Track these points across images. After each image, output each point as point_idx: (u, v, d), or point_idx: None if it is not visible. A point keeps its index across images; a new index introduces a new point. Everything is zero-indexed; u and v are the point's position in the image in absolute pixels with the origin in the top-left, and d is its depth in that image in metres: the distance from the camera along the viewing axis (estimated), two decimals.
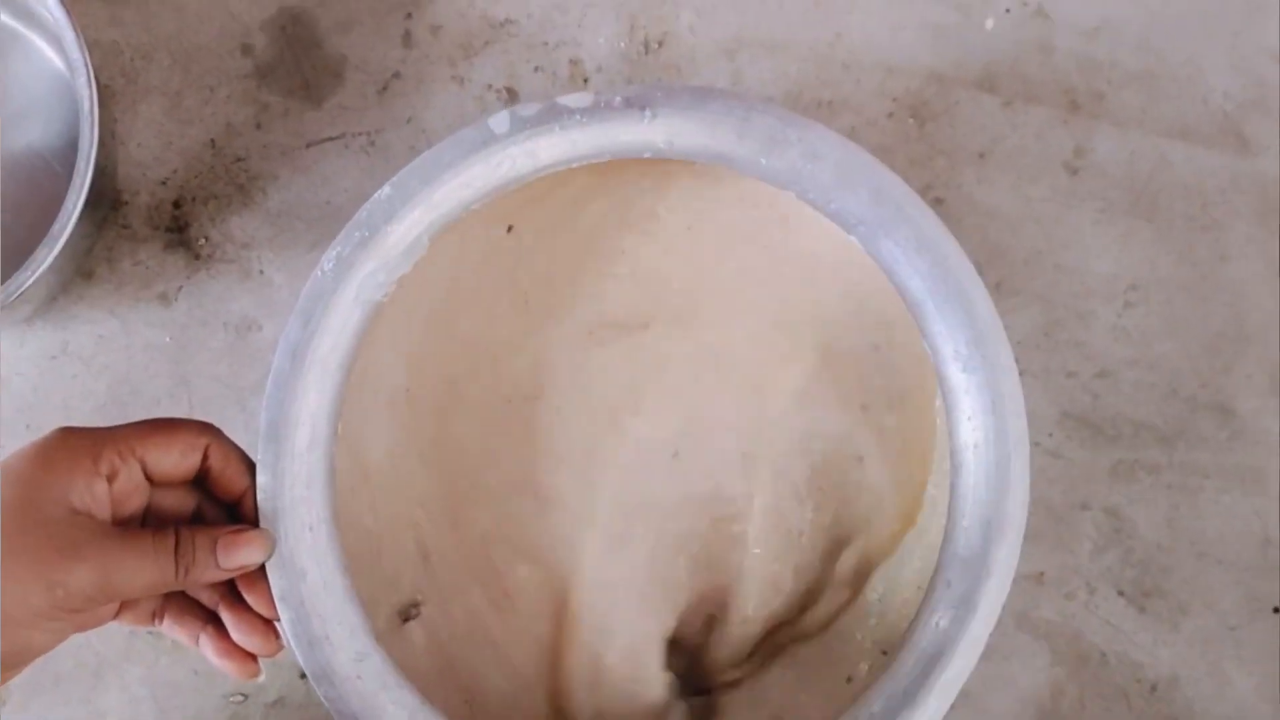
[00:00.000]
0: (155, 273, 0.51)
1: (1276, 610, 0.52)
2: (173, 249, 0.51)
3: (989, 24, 0.53)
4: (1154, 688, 0.52)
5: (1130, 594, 0.52)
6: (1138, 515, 0.52)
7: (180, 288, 0.51)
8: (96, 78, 0.44)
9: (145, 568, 0.35)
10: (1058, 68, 0.53)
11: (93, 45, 0.50)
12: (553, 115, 0.40)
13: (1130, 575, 0.52)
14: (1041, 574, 0.52)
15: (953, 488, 0.41)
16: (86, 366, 0.51)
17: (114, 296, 0.51)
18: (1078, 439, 0.52)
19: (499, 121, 0.40)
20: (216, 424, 0.50)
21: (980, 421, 0.41)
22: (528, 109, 0.40)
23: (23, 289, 0.43)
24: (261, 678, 0.39)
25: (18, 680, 0.49)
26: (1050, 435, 0.52)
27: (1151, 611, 0.52)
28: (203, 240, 0.51)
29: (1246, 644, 0.52)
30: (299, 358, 0.39)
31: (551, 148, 0.40)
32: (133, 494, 0.37)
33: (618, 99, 0.40)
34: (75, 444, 0.36)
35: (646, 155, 0.41)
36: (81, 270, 0.50)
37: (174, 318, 0.51)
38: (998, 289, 0.52)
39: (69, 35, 0.43)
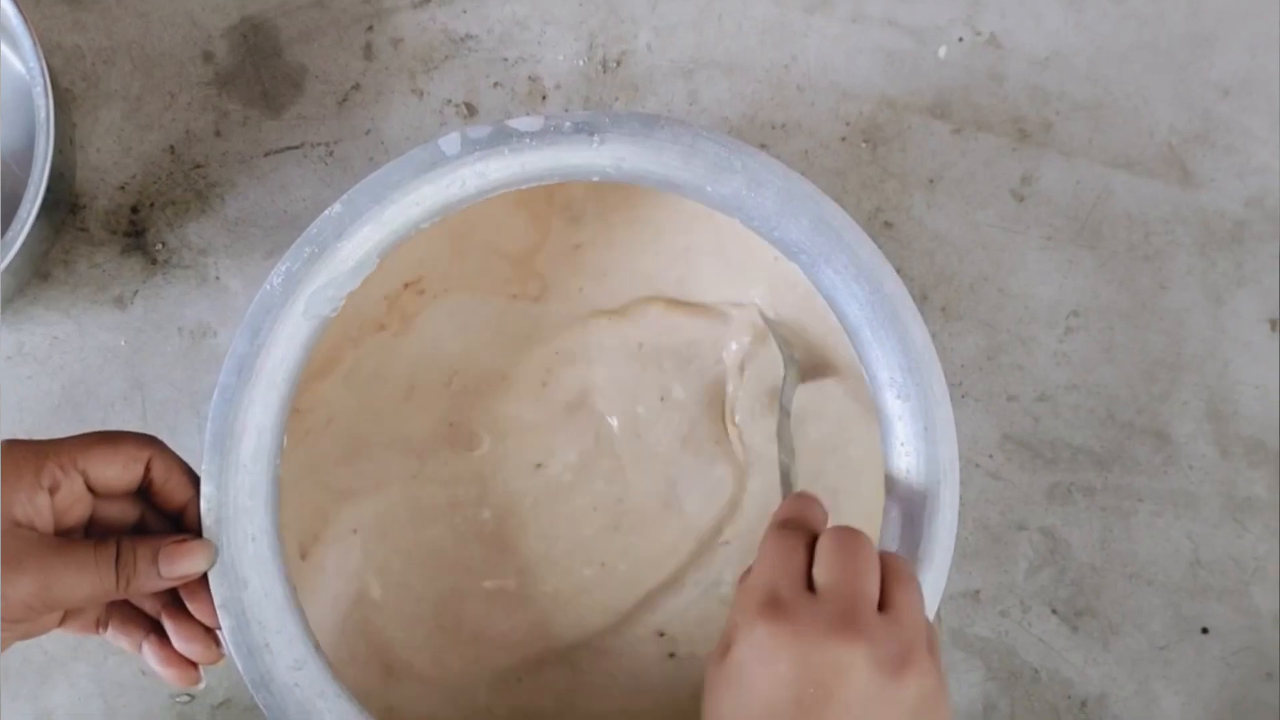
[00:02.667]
0: (112, 276, 0.51)
1: (1204, 631, 0.54)
2: (130, 253, 0.51)
3: (942, 52, 0.54)
4: (1083, 704, 0.53)
5: (1063, 613, 0.54)
6: (1072, 536, 0.54)
7: (136, 292, 0.51)
8: (55, 83, 0.44)
9: (86, 579, 0.36)
10: (1008, 96, 0.54)
11: (54, 49, 0.51)
12: (502, 138, 0.41)
13: (1064, 595, 0.54)
14: (978, 592, 0.53)
15: (885, 513, 0.42)
16: (42, 367, 0.51)
17: (70, 299, 0.51)
18: (1017, 461, 0.54)
19: (449, 143, 0.41)
20: (170, 428, 0.51)
21: (912, 447, 0.42)
22: (478, 131, 0.41)
23: None
24: (202, 685, 0.40)
25: None
26: (991, 457, 0.54)
27: (1083, 630, 0.54)
28: (160, 245, 0.51)
29: (1174, 663, 0.53)
30: (245, 371, 0.40)
31: (501, 169, 0.41)
32: (74, 505, 0.37)
33: (567, 124, 0.41)
34: (17, 456, 0.36)
35: (594, 179, 0.42)
36: (38, 272, 0.51)
37: (129, 321, 0.51)
38: (943, 312, 0.54)
39: (26, 44, 0.43)
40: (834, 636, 0.32)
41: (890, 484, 0.42)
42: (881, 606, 0.34)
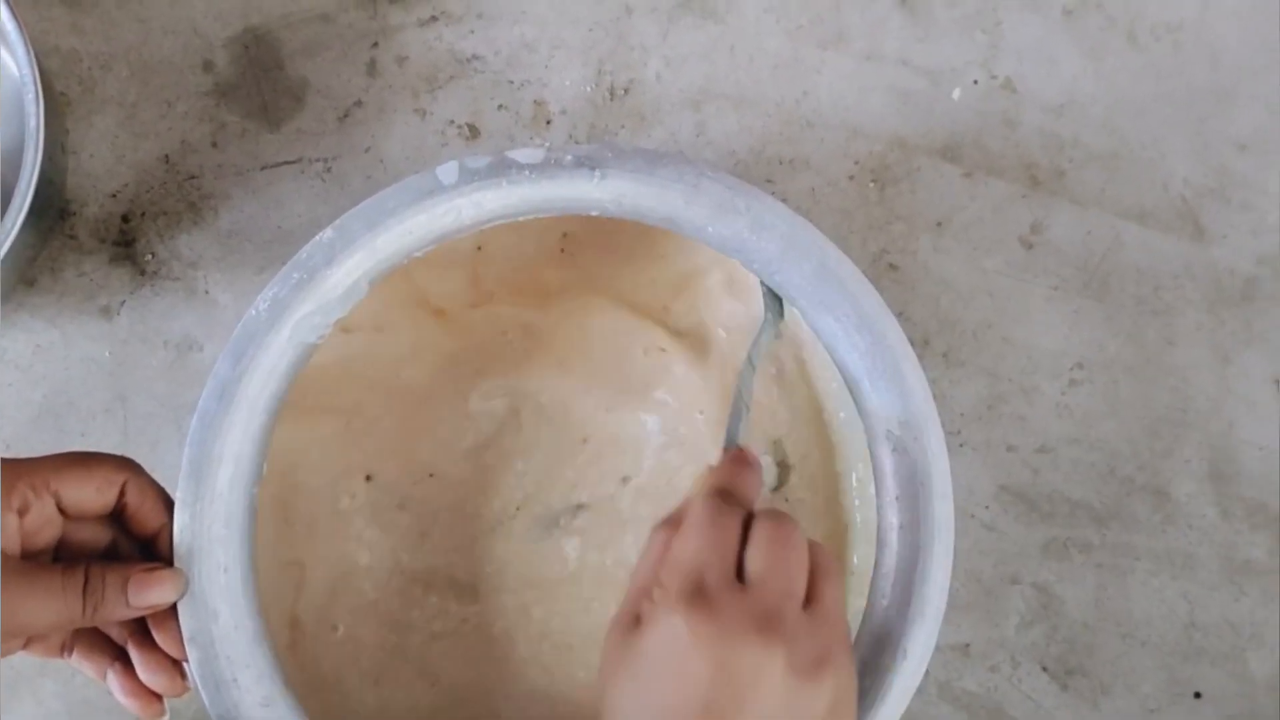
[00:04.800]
0: (99, 285, 0.50)
1: (1197, 696, 0.53)
2: (118, 263, 0.50)
3: (956, 94, 0.53)
4: None
5: (1053, 670, 0.53)
6: (1066, 593, 0.53)
7: (123, 302, 0.50)
8: (50, 87, 0.43)
9: (52, 606, 0.35)
10: (1021, 142, 0.53)
11: (51, 51, 0.50)
12: (502, 169, 0.40)
13: (1055, 652, 0.53)
14: (967, 645, 0.52)
15: (876, 566, 0.41)
16: (23, 375, 0.50)
17: (55, 307, 0.50)
18: (1013, 513, 0.53)
19: (447, 172, 0.40)
20: (151, 443, 0.50)
21: (907, 504, 0.41)
22: (477, 161, 0.40)
23: None
24: (166, 718, 0.39)
25: None
26: (986, 508, 0.53)
27: (1073, 689, 0.52)
28: (149, 256, 0.50)
29: None
30: (227, 396, 0.39)
31: (498, 200, 0.40)
32: (44, 528, 0.36)
33: (569, 157, 0.40)
34: None
35: (593, 214, 0.41)
36: (24, 278, 0.50)
37: (115, 332, 0.50)
38: (945, 358, 0.53)
39: (20, 51, 0.42)
40: (755, 637, 0.31)
41: (881, 539, 0.41)
42: (807, 600, 0.33)
